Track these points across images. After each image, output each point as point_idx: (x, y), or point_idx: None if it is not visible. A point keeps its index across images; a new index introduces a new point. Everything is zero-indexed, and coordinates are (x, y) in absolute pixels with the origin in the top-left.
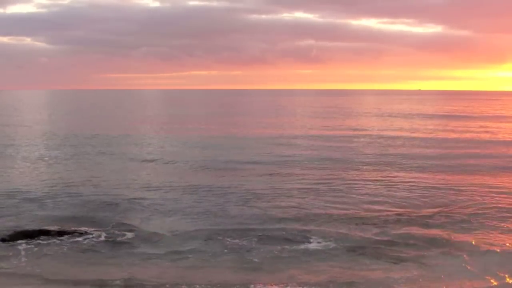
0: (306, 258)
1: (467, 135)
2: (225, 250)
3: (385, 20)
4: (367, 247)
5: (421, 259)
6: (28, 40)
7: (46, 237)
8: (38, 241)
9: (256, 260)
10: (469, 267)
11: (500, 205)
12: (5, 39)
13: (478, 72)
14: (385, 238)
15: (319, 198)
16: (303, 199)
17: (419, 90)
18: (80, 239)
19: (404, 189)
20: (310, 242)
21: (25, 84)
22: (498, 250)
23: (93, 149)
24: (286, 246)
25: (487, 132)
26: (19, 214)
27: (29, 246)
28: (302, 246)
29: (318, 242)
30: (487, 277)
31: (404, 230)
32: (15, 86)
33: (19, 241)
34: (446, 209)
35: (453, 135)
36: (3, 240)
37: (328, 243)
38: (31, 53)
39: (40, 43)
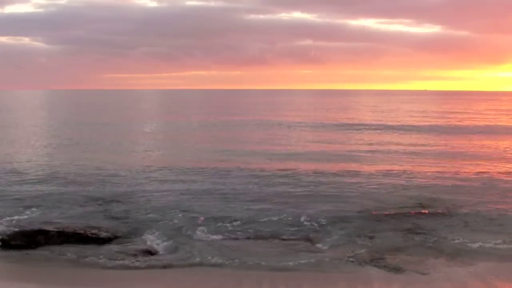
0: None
1: None
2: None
3: (383, 20)
4: (366, 255)
5: (422, 268)
6: (26, 40)
7: (45, 238)
8: (37, 242)
9: None
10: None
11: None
12: (3, 39)
13: (476, 72)
14: (385, 245)
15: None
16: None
17: (426, 90)
18: (80, 240)
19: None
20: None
21: (24, 84)
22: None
23: (98, 150)
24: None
25: None
26: (19, 212)
27: (26, 248)
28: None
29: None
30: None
31: (405, 235)
32: (13, 86)
33: (17, 242)
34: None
35: None
36: (1, 240)
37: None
38: (29, 53)
39: (39, 43)
